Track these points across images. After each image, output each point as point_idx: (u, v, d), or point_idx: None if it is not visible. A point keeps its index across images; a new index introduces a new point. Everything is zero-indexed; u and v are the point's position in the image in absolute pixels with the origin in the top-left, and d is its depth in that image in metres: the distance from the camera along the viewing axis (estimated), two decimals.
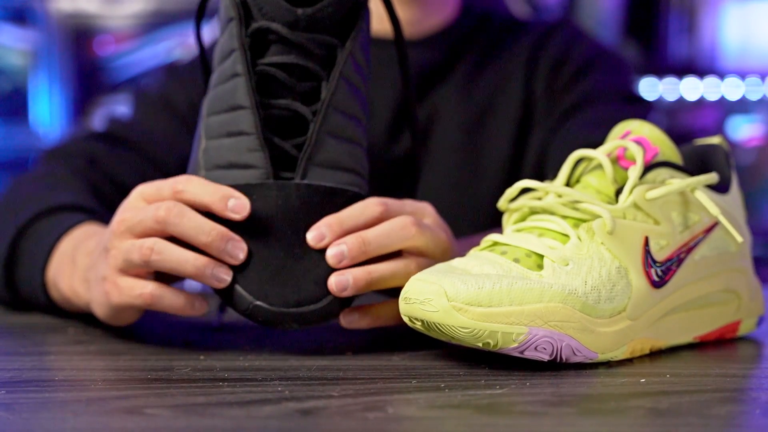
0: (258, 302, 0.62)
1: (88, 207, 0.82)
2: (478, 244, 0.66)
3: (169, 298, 0.64)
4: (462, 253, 0.66)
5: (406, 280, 0.62)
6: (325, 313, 0.63)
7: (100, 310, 0.68)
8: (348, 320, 0.65)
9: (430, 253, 0.67)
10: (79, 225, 0.77)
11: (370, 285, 0.64)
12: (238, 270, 0.62)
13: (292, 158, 0.64)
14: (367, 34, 0.67)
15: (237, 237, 0.62)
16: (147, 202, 0.65)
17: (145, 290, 0.64)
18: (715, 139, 0.72)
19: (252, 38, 0.64)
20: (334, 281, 0.63)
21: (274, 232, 0.63)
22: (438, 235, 0.67)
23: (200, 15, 0.72)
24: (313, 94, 0.65)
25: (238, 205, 0.63)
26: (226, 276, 0.62)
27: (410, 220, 0.65)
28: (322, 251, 0.63)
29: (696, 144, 0.73)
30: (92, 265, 0.69)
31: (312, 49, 0.64)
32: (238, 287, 0.62)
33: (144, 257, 0.62)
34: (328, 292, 0.63)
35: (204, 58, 0.74)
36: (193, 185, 0.64)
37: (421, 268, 0.64)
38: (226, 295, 0.63)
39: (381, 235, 0.64)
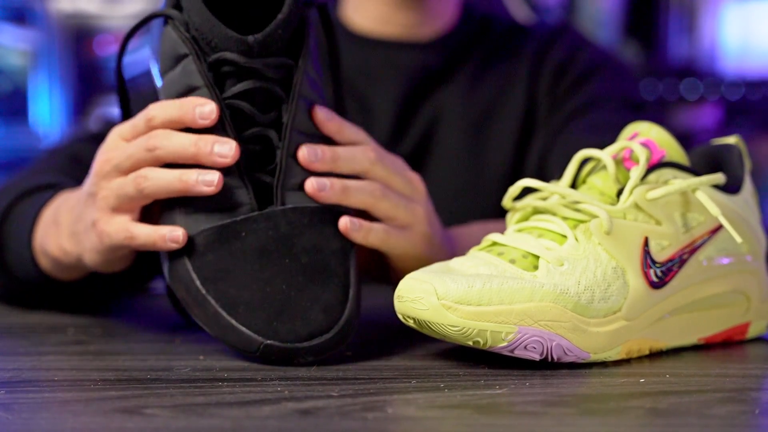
0: (269, 341, 0.60)
1: (65, 184, 0.83)
2: (474, 236, 0.66)
3: (144, 234, 0.65)
4: (448, 235, 0.70)
5: (374, 200, 0.67)
6: (338, 340, 0.61)
7: (93, 258, 0.69)
8: (353, 225, 0.65)
9: (396, 186, 0.69)
10: (56, 195, 0.79)
11: (344, 193, 0.65)
12: (242, 311, 0.61)
13: (270, 188, 0.64)
14: (316, 47, 0.67)
15: (222, 138, 0.63)
16: (126, 141, 0.66)
17: (128, 228, 0.65)
18: (731, 139, 0.72)
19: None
20: (314, 181, 0.64)
21: (272, 265, 0.62)
22: (406, 174, 0.71)
23: (123, 48, 0.70)
24: (277, 121, 0.64)
25: (206, 112, 0.63)
26: (214, 177, 0.62)
27: (371, 147, 0.68)
28: (325, 278, 0.62)
29: (712, 144, 0.73)
30: (78, 216, 0.70)
31: (269, 74, 0.63)
32: (244, 329, 0.61)
33: (138, 185, 0.64)
34: (338, 319, 0.61)
35: (124, 91, 0.73)
36: (158, 109, 0.65)
37: (388, 196, 0.67)
38: (232, 339, 0.61)
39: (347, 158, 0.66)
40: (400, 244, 0.69)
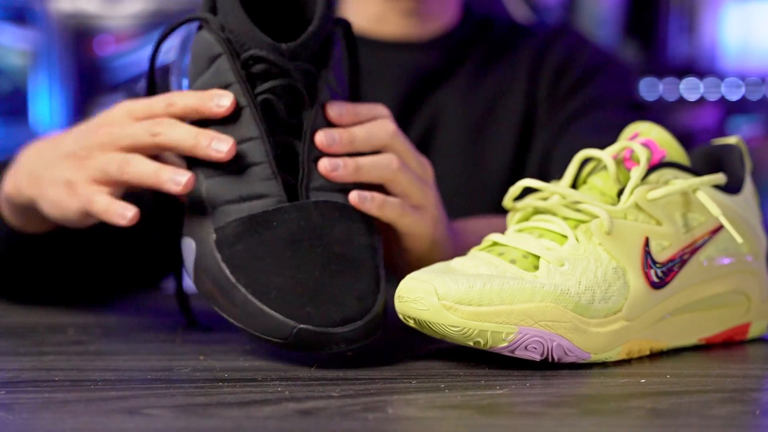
0: (302, 325, 0.58)
1: None
2: (476, 229, 0.66)
3: (114, 208, 0.67)
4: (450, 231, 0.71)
5: (392, 174, 0.68)
6: (370, 329, 0.60)
7: (50, 210, 0.71)
8: (361, 198, 0.66)
9: (411, 164, 0.70)
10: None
11: (358, 171, 0.66)
12: (274, 296, 0.60)
13: (292, 188, 0.65)
14: (339, 61, 0.69)
15: (221, 135, 0.64)
16: (135, 119, 0.68)
17: (101, 198, 0.67)
18: (731, 139, 0.72)
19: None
20: (327, 161, 0.65)
21: (304, 252, 0.61)
22: (418, 155, 0.72)
23: (157, 49, 0.72)
24: (299, 127, 0.66)
25: (222, 101, 0.64)
26: (184, 179, 0.64)
27: (390, 120, 0.70)
28: (357, 267, 0.62)
29: (713, 144, 0.73)
30: (45, 163, 0.72)
31: (297, 76, 0.65)
32: (276, 314, 0.59)
33: (120, 168, 0.66)
34: (370, 309, 0.61)
35: (153, 85, 0.73)
36: (180, 96, 0.66)
37: (405, 170, 0.69)
38: (262, 326, 0.60)
39: (369, 165, 0.67)
40: (414, 223, 0.70)
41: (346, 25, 0.70)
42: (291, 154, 0.65)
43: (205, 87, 0.66)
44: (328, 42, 0.67)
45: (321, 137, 0.65)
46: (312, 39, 0.65)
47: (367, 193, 0.66)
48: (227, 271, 0.62)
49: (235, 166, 0.64)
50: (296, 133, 0.65)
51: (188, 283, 0.70)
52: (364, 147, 0.67)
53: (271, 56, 0.64)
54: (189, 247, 0.66)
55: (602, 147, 0.68)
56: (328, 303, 0.60)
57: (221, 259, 0.62)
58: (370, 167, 0.67)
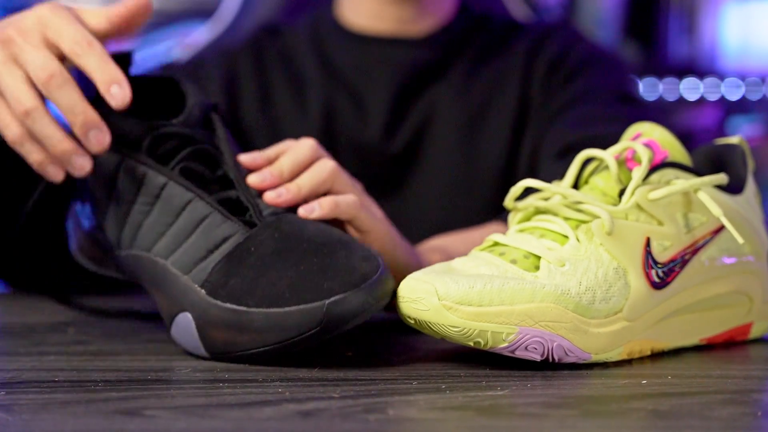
0: (329, 300, 0.58)
1: None
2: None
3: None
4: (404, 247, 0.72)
5: (331, 175, 0.69)
6: (388, 283, 0.61)
7: None
8: (308, 210, 0.66)
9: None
10: None
11: (300, 189, 0.68)
12: (289, 295, 0.60)
13: (248, 223, 0.66)
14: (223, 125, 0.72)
15: (104, 127, 0.65)
16: (44, 38, 0.66)
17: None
18: (734, 139, 0.72)
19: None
20: (271, 192, 0.66)
21: (293, 254, 0.62)
22: (355, 184, 0.73)
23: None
24: (225, 179, 0.68)
25: (120, 95, 0.66)
26: (86, 165, 0.66)
27: (327, 159, 0.70)
28: (347, 243, 0.63)
29: (715, 143, 0.73)
30: None
31: (201, 138, 0.68)
32: (299, 307, 0.59)
33: (18, 118, 0.65)
34: (378, 265, 0.61)
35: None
36: (89, 54, 0.67)
37: (340, 170, 0.70)
38: (290, 327, 0.59)
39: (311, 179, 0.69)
40: (370, 218, 0.70)
41: (214, 105, 0.72)
42: (231, 202, 0.67)
43: (122, 196, 0.67)
44: (207, 114, 0.70)
45: (253, 179, 0.67)
46: (195, 109, 0.68)
47: (313, 203, 0.67)
48: (234, 306, 0.61)
49: (187, 231, 0.65)
50: (226, 185, 0.68)
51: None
52: (294, 170, 0.69)
53: (171, 130, 0.67)
54: (184, 320, 0.64)
55: (588, 138, 0.67)
56: (340, 272, 0.60)
57: (222, 302, 0.62)
58: (310, 179, 0.68)
